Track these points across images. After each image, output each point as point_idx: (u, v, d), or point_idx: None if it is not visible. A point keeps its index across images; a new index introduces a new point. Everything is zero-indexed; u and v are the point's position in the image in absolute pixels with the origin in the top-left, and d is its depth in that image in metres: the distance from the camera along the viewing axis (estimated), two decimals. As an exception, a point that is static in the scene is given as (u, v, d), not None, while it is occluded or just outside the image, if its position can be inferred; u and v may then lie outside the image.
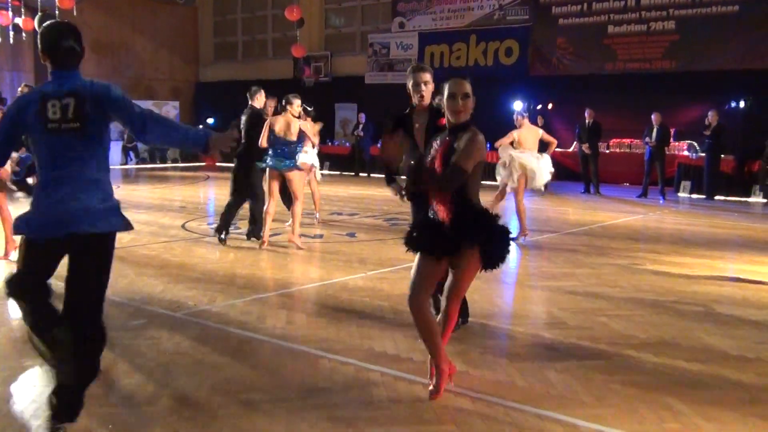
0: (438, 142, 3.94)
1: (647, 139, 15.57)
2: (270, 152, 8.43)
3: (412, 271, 3.94)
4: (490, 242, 3.81)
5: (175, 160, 25.43)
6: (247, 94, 9.27)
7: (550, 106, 19.04)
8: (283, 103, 8.50)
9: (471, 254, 3.81)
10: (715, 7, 17.14)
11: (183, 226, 10.48)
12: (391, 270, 7.48)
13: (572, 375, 4.41)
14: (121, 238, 8.89)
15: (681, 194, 16.28)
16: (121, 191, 14.51)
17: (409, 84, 5.02)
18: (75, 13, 18.14)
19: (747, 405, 4.01)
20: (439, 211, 3.88)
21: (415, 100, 5.04)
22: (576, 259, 8.34)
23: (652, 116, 15.40)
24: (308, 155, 10.10)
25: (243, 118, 9.14)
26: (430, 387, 4.00)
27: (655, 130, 15.35)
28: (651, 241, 9.96)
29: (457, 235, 3.80)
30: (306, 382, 4.24)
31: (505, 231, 3.89)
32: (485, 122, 15.84)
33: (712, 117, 15.17)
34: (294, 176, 8.47)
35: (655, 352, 4.89)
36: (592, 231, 10.76)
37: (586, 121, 16.35)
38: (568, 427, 3.64)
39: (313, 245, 9.07)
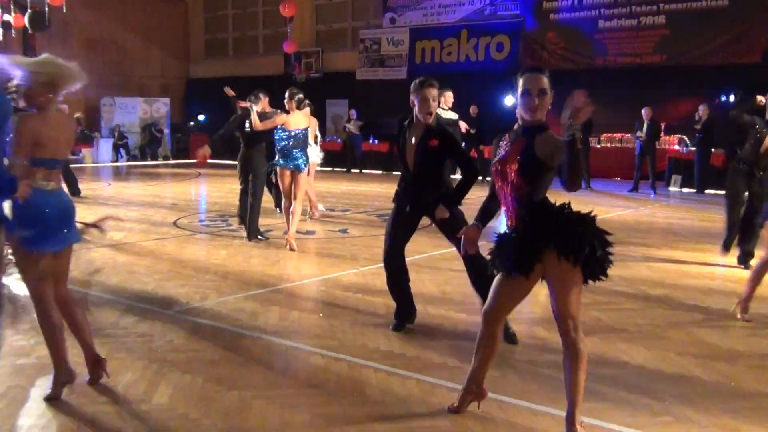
0: (506, 142, 3.52)
1: (638, 134, 15.61)
2: (281, 152, 8.44)
3: (493, 287, 3.57)
4: (579, 245, 3.35)
5: (165, 157, 25.34)
6: (249, 98, 8.85)
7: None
8: (296, 100, 8.47)
9: (558, 261, 3.32)
10: (705, 1, 17.17)
11: (175, 223, 10.44)
12: (382, 266, 7.45)
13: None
14: (113, 236, 8.92)
15: (672, 188, 16.32)
16: (112, 188, 14.48)
17: (415, 99, 4.86)
18: (64, 10, 18.03)
19: (738, 397, 4.03)
20: (512, 221, 3.50)
21: (420, 117, 4.90)
22: (568, 254, 8.34)
23: (643, 111, 15.44)
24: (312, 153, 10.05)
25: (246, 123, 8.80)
26: (454, 403, 3.77)
27: (645, 124, 15.39)
28: (642, 235, 9.98)
29: (538, 242, 3.35)
30: (299, 378, 4.23)
31: (601, 232, 3.49)
32: (470, 118, 15.58)
33: (702, 111, 15.21)
34: (303, 177, 8.51)
35: (646, 346, 4.91)
36: (583, 225, 10.75)
37: (577, 115, 16.34)
38: (561, 421, 3.63)
39: (306, 241, 9.05)
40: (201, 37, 27.75)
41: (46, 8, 17.69)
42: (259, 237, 8.96)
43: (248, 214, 8.92)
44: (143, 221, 10.59)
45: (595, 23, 18.67)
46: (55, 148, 3.77)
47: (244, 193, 9.12)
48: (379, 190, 13.34)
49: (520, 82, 3.44)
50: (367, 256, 7.95)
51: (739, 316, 5.58)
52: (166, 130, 25.71)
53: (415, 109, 4.92)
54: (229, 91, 9.97)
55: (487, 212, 3.78)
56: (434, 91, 4.86)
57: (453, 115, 10.67)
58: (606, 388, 4.11)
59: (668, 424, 3.64)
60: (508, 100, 18.85)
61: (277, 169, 8.57)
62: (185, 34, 27.79)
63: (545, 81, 3.44)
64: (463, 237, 3.79)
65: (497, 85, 18.99)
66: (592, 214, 3.47)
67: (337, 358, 4.58)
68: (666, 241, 9.32)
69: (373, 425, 3.60)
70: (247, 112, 8.77)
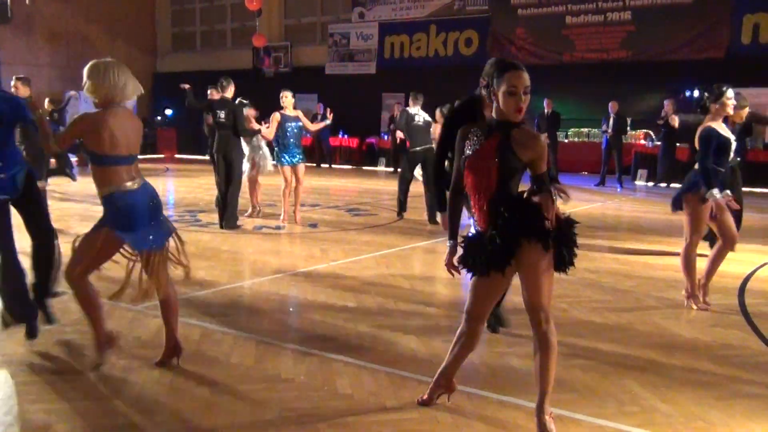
0: (477, 138, 3.37)
1: (604, 128, 15.80)
2: (281, 147, 9.56)
3: (471, 286, 3.56)
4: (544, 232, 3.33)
5: (133, 152, 24.98)
6: (218, 86, 9.52)
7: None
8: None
9: (530, 248, 3.33)
10: (670, -3, 17.44)
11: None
12: (354, 260, 7.46)
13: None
14: (78, 231, 8.77)
15: (638, 182, 16.54)
16: (77, 184, 14.23)
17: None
18: (27, 2, 17.70)
19: (702, 387, 4.10)
20: (480, 221, 3.46)
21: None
22: (536, 247, 8.41)
23: (609, 105, 15.64)
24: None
25: (222, 112, 9.22)
26: (424, 396, 3.79)
27: (612, 119, 15.59)
28: (609, 229, 10.11)
29: (517, 235, 3.32)
30: (269, 373, 4.21)
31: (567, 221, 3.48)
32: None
33: (667, 106, 15.44)
34: (303, 166, 9.87)
35: (613, 338, 4.98)
36: (551, 219, 10.85)
37: (545, 110, 16.51)
38: (530, 412, 3.67)
39: (275, 237, 9.02)
40: (168, 30, 27.44)
41: (8, 1, 17.34)
42: (237, 225, 9.29)
43: (227, 201, 9.19)
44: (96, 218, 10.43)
45: (562, 19, 18.83)
46: (127, 144, 4.12)
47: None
48: (349, 186, 13.32)
49: (504, 80, 3.26)
50: (338, 251, 7.94)
51: (695, 307, 5.76)
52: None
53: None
54: (185, 86, 10.24)
55: (457, 221, 3.61)
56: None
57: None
58: (574, 379, 4.17)
59: (634, 414, 3.70)
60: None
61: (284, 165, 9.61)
62: (152, 28, 27.45)
63: (528, 78, 3.30)
64: (447, 266, 3.59)
65: (466, 80, 19.11)
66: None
67: (307, 352, 4.57)
68: (632, 235, 9.45)
69: (344, 419, 3.60)
70: (223, 103, 9.24)
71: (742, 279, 6.84)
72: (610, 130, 15.59)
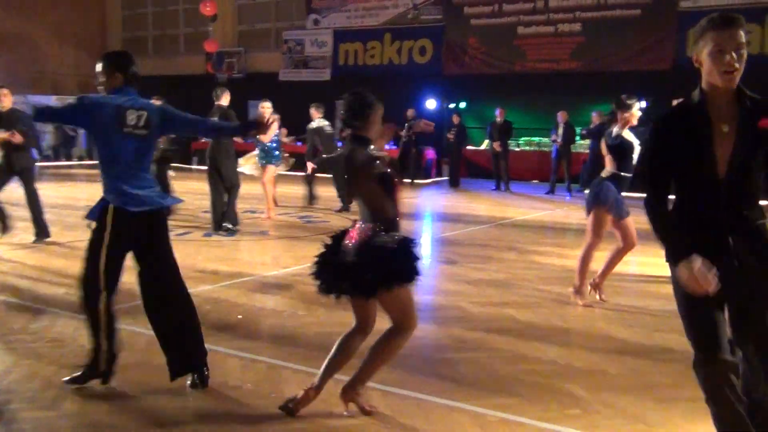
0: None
1: (554, 137, 16.08)
2: (263, 150, 10.90)
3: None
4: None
5: (80, 158, 24.55)
6: (213, 94, 9.99)
7: (463, 104, 19.38)
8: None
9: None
10: (618, 10, 17.81)
11: (89, 226, 10.11)
12: (304, 267, 7.41)
13: (480, 366, 4.52)
14: (23, 240, 8.61)
15: (586, 191, 16.83)
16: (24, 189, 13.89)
17: (705, 49, 2.72)
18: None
19: (643, 389, 4.21)
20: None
21: (717, 78, 2.71)
22: (486, 254, 8.53)
23: (558, 115, 15.92)
24: None
25: (215, 119, 9.37)
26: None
27: (561, 128, 15.87)
28: (557, 236, 10.29)
29: None
30: (216, 380, 4.18)
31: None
32: (401, 121, 15.91)
33: (595, 117, 15.75)
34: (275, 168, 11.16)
35: (558, 342, 5.07)
36: (502, 226, 11.02)
37: (497, 119, 16.71)
38: (476, 416, 3.73)
39: (226, 243, 8.95)
40: (119, 34, 27.01)
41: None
42: (224, 227, 9.49)
43: (229, 203, 9.55)
44: (56, 224, 10.22)
45: (514, 29, 19.09)
46: None
47: (220, 187, 9.57)
48: (301, 192, 13.30)
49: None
50: (288, 258, 7.91)
51: (598, 298, 6.14)
52: (81, 130, 24.88)
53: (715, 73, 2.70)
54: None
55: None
56: (743, 34, 2.69)
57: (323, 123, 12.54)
58: (519, 383, 4.23)
59: (577, 416, 3.77)
60: (430, 103, 19.15)
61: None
62: (102, 31, 27.00)
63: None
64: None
65: (420, 88, 19.28)
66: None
67: (255, 359, 4.55)
68: (579, 241, 9.56)
69: (292, 424, 3.60)
70: (215, 110, 9.69)
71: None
72: (559, 140, 15.87)
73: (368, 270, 3.44)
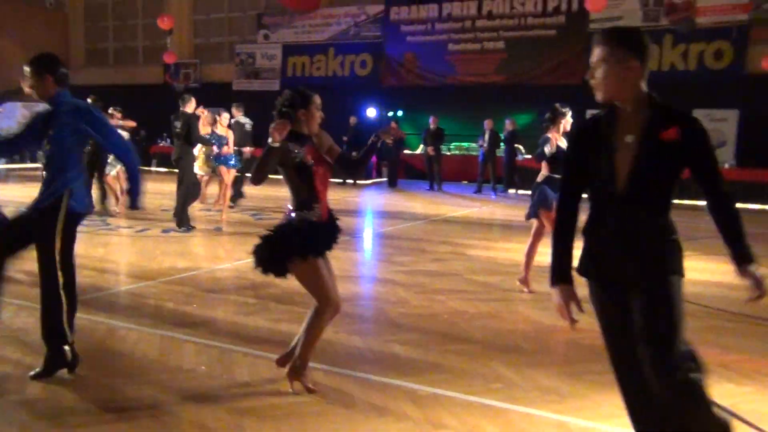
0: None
1: (481, 143, 16.30)
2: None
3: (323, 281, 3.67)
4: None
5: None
6: (179, 100, 9.86)
7: (400, 113, 19.45)
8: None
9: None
10: (536, 30, 18.16)
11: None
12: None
13: (414, 347, 4.55)
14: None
15: (510, 191, 17.12)
16: (-11, 190, 13.36)
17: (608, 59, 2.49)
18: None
19: (557, 365, 4.30)
20: (324, 212, 3.73)
21: (598, 95, 2.56)
22: (421, 247, 8.58)
23: (485, 123, 16.14)
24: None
25: (178, 123, 9.53)
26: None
27: (487, 135, 16.09)
28: (484, 230, 10.42)
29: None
30: (171, 364, 4.10)
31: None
32: (342, 128, 15.94)
33: (509, 125, 16.11)
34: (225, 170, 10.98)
35: (483, 324, 5.14)
36: (435, 222, 11.11)
37: (431, 126, 16.83)
38: (410, 391, 3.75)
39: (182, 238, 8.78)
40: (81, 46, 26.17)
41: None
42: (190, 226, 9.32)
43: (183, 203, 9.33)
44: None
45: (445, 46, 19.26)
46: None
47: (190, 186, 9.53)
48: (254, 192, 13.13)
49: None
50: (241, 252, 7.80)
51: (525, 290, 6.23)
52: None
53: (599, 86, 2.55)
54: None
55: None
56: (600, 50, 2.54)
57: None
58: (448, 362, 4.27)
59: (498, 390, 3.83)
60: (370, 112, 19.17)
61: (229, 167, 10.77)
62: (65, 43, 26.09)
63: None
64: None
65: (361, 98, 19.28)
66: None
67: (209, 344, 4.48)
68: (503, 235, 9.78)
69: (241, 402, 3.56)
70: (179, 115, 9.61)
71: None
72: (486, 145, 16.10)
73: (269, 247, 3.61)
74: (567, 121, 6.08)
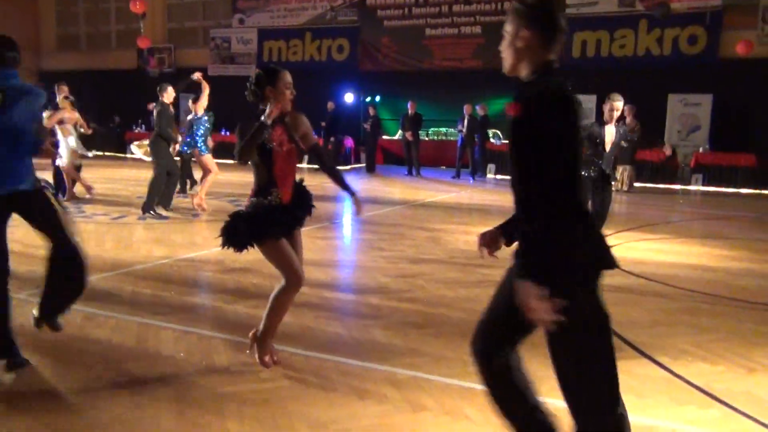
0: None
1: (459, 128, 16.33)
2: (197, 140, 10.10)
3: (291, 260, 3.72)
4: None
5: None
6: (157, 89, 9.78)
7: (377, 98, 19.41)
8: None
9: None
10: (513, 15, 18.18)
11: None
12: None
13: (393, 331, 4.57)
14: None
15: (488, 176, 17.21)
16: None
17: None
18: None
19: (536, 347, 4.34)
20: (285, 195, 3.76)
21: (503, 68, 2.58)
22: (399, 232, 8.61)
23: (464, 108, 16.17)
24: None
25: (155, 111, 9.54)
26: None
27: (466, 120, 16.13)
28: (462, 215, 10.47)
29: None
30: (149, 351, 4.08)
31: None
32: (320, 114, 15.78)
33: (479, 110, 16.19)
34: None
35: (462, 308, 5.18)
36: (413, 207, 11.13)
37: (409, 112, 16.83)
38: (390, 374, 3.78)
39: (159, 225, 8.70)
40: (52, 30, 25.67)
41: None
42: (153, 212, 9.28)
43: (156, 189, 9.31)
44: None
45: (422, 31, 19.22)
46: None
47: (166, 174, 9.39)
48: (232, 179, 13.06)
49: None
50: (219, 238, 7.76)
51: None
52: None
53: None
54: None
55: None
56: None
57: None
58: (427, 346, 4.30)
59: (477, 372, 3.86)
60: (348, 97, 19.10)
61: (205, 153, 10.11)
62: (35, 27, 25.59)
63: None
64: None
65: (339, 83, 19.19)
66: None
67: (188, 331, 4.46)
68: (481, 219, 9.83)
69: (221, 388, 3.55)
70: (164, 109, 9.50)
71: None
72: (464, 130, 16.13)
73: (232, 228, 3.72)
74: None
